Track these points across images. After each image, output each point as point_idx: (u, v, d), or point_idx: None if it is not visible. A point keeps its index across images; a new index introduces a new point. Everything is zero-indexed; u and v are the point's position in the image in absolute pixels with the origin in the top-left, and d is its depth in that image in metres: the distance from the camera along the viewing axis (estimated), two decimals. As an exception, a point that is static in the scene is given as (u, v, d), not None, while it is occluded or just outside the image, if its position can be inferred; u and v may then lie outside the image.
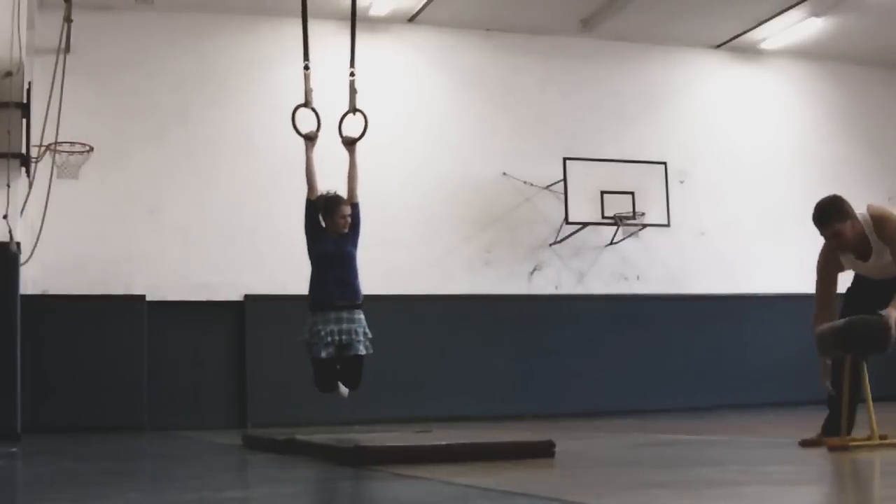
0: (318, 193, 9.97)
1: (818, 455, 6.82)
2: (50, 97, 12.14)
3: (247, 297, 16.57)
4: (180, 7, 16.81)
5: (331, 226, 9.88)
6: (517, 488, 5.50)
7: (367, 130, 9.96)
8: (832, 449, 7.08)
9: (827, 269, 7.79)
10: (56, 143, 14.15)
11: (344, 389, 10.24)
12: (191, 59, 17.01)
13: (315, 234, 9.96)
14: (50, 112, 12.42)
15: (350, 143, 10.10)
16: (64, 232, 15.35)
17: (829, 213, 7.55)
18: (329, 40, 16.65)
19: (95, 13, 16.03)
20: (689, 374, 18.07)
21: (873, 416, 7.16)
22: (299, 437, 9.26)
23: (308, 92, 10.04)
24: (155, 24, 16.85)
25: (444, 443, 7.42)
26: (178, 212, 16.58)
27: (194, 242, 16.55)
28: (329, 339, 9.73)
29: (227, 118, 16.96)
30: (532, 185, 17.99)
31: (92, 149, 15.16)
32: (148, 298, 16.21)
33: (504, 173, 17.97)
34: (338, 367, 9.96)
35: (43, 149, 14.27)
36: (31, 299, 15.01)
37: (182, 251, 16.50)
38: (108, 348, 15.86)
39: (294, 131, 9.93)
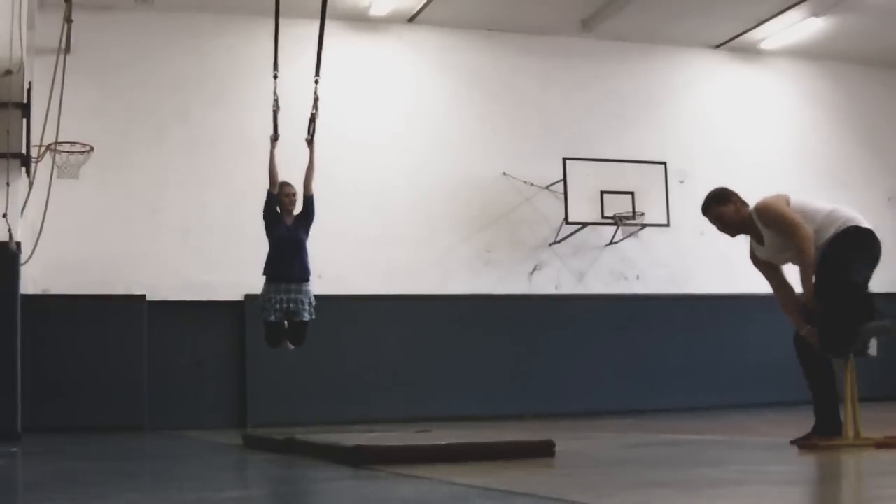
0: (276, 188, 11.79)
1: (815, 455, 6.83)
2: (50, 97, 12.15)
3: (247, 296, 16.53)
4: (180, 7, 16.81)
5: (282, 206, 11.75)
6: (517, 488, 5.50)
7: (316, 133, 11.80)
8: (802, 447, 7.15)
9: (757, 265, 8.17)
10: (56, 142, 14.15)
11: (290, 347, 12.11)
12: (191, 59, 17.02)
13: (272, 221, 11.73)
14: (50, 112, 12.43)
15: (308, 143, 11.75)
16: (64, 232, 15.36)
17: (709, 200, 8.21)
18: (333, 40, 16.64)
19: (96, 13, 16.04)
20: (689, 374, 18.07)
21: (849, 416, 7.21)
22: (299, 436, 9.26)
23: (276, 100, 11.59)
24: (155, 25, 16.85)
25: (443, 442, 7.43)
26: (179, 212, 16.59)
27: (194, 242, 16.55)
28: (278, 306, 11.59)
29: (227, 118, 16.96)
30: (532, 184, 17.99)
31: (92, 149, 15.16)
32: (148, 298, 16.21)
33: (504, 173, 17.98)
34: (286, 331, 11.85)
35: (43, 149, 14.29)
36: (31, 299, 15.02)
37: (182, 251, 16.50)
38: (109, 348, 15.87)
39: (272, 129, 11.67)
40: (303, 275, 11.77)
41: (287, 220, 11.77)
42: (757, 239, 7.97)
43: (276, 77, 11.72)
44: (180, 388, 16.35)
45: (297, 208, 11.86)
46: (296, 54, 17.24)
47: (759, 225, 7.82)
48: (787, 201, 7.72)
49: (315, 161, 11.88)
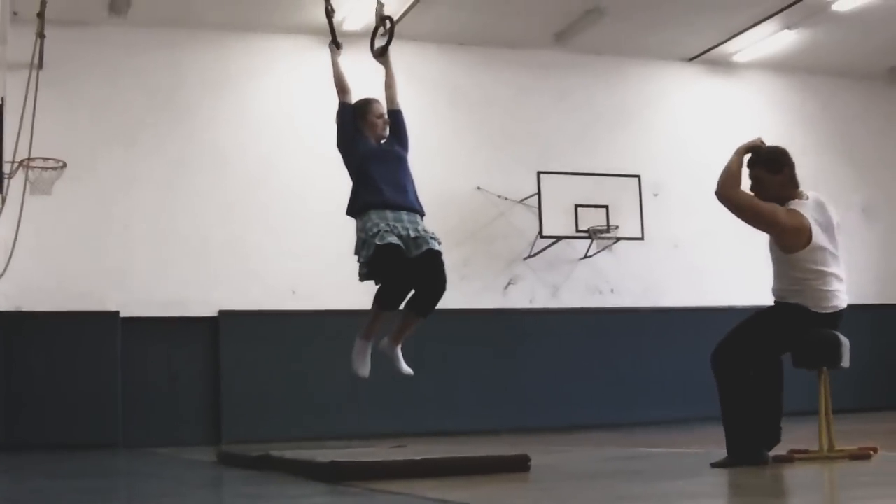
0: (352, 97, 8.87)
1: (790, 468, 6.84)
2: (23, 112, 12.12)
3: (221, 312, 16.53)
4: (153, 22, 16.74)
5: (367, 129, 8.57)
6: (492, 502, 5.49)
7: (393, 38, 9.54)
8: (777, 460, 7.14)
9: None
10: (29, 158, 14.09)
11: (406, 367, 8.90)
12: (163, 74, 16.96)
13: (354, 138, 8.50)
14: (23, 127, 12.38)
15: (380, 54, 9.39)
16: (37, 248, 15.29)
17: (762, 157, 7.68)
18: (304, 55, 16.72)
19: (68, 28, 15.94)
20: (664, 387, 18.07)
21: (823, 428, 7.20)
22: (274, 452, 9.24)
23: (327, 1, 9.32)
24: (128, 39, 16.77)
25: (419, 458, 7.41)
26: (152, 227, 16.52)
27: (168, 258, 16.48)
28: (390, 227, 7.98)
29: (199, 133, 16.91)
30: (506, 198, 18.00)
31: (65, 164, 15.10)
32: (122, 315, 16.14)
33: (478, 187, 17.98)
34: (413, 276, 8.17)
35: (16, 164, 14.21)
36: (3, 316, 14.98)
37: (156, 267, 16.43)
38: (82, 365, 15.79)
39: (330, 35, 9.34)
40: (414, 203, 8.34)
41: (373, 140, 8.57)
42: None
43: None
44: (155, 405, 16.28)
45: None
46: (267, 69, 17.29)
47: None
48: (799, 230, 7.20)
49: (394, 70, 9.43)
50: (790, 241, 7.22)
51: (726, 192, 7.37)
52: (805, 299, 7.17)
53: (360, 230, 8.07)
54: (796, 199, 7.41)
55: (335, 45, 9.20)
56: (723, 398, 7.46)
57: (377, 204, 8.04)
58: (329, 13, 9.31)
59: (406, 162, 8.51)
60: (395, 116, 8.84)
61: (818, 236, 7.22)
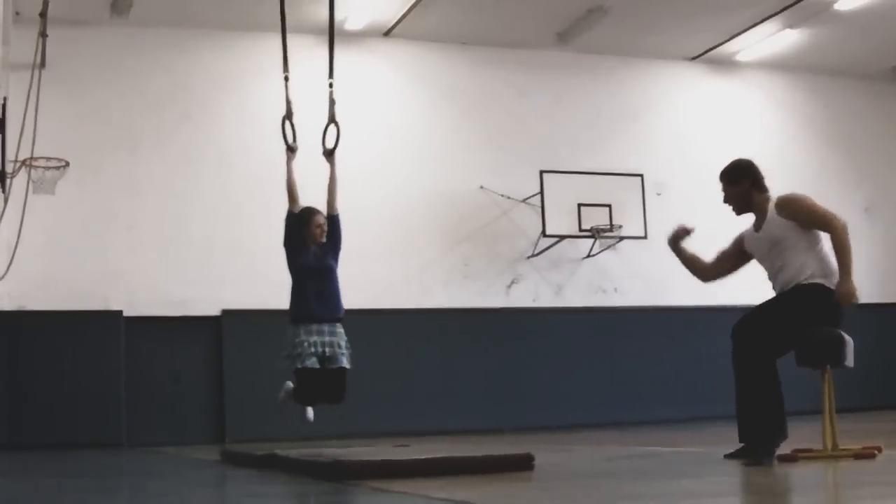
0: (299, 206, 9.93)
1: (794, 467, 6.84)
2: (25, 112, 12.11)
3: (224, 311, 16.52)
4: (155, 22, 16.76)
5: (308, 237, 9.82)
6: (496, 502, 5.49)
7: (340, 141, 9.96)
8: (781, 459, 7.11)
9: (729, 250, 8.61)
10: (32, 158, 14.11)
11: (310, 413, 10.32)
12: (166, 73, 16.97)
13: (295, 248, 9.87)
14: (25, 127, 12.38)
15: (327, 155, 10.04)
16: (40, 247, 15.31)
17: (723, 173, 8.54)
18: (307, 54, 16.64)
19: (71, 28, 15.96)
20: (667, 386, 18.07)
21: (827, 427, 7.18)
22: (278, 451, 9.24)
23: (289, 103, 10.00)
24: (130, 39, 16.79)
25: (422, 457, 7.40)
26: (155, 227, 16.53)
27: (171, 257, 16.50)
28: (312, 349, 9.67)
29: (202, 133, 16.93)
30: (509, 198, 18.00)
31: (68, 164, 15.11)
32: (125, 314, 16.15)
33: (481, 187, 17.98)
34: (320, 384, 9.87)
35: (18, 164, 14.23)
36: (7, 315, 14.97)
37: (159, 266, 16.44)
38: (86, 364, 15.79)
39: (283, 141, 9.88)
40: (335, 312, 9.92)
41: (312, 247, 9.86)
42: (757, 225, 7.97)
43: (286, 79, 10.16)
44: (158, 404, 16.29)
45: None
46: (269, 68, 17.26)
47: (775, 215, 7.77)
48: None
49: (337, 175, 10.07)
50: (819, 206, 7.70)
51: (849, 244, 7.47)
52: (833, 280, 7.37)
53: (289, 343, 9.76)
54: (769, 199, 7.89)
55: (290, 149, 9.94)
56: (740, 383, 7.41)
57: (305, 318, 9.77)
58: (288, 119, 10.00)
59: (335, 272, 10.00)
60: (332, 222, 9.98)
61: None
